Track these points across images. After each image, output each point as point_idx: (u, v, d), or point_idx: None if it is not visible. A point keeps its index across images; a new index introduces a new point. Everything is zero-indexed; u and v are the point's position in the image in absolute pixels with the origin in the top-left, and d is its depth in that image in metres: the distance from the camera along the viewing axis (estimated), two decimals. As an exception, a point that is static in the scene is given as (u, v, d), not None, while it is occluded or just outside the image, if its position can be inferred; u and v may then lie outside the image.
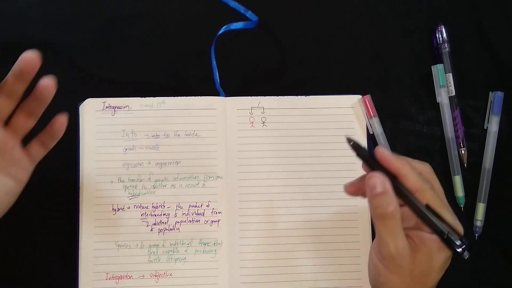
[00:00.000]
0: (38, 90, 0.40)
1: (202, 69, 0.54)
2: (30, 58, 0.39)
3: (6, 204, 0.41)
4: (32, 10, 0.54)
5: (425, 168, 0.39)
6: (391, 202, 0.35)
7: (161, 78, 0.54)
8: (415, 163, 0.39)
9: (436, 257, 0.37)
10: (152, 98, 0.52)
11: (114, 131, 0.52)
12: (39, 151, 0.44)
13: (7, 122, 0.41)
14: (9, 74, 0.40)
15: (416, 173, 0.37)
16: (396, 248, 0.35)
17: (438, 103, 0.54)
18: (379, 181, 0.36)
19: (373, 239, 0.51)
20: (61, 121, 0.43)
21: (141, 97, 0.52)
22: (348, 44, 0.56)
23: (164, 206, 0.51)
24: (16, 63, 0.39)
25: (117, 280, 0.50)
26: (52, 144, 0.44)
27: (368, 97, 0.53)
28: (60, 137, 0.44)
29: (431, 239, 0.37)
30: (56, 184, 0.52)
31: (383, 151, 0.37)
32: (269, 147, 0.53)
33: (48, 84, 0.40)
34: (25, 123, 0.42)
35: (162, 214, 0.51)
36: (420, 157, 0.54)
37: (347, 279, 0.51)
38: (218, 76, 0.53)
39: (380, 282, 0.37)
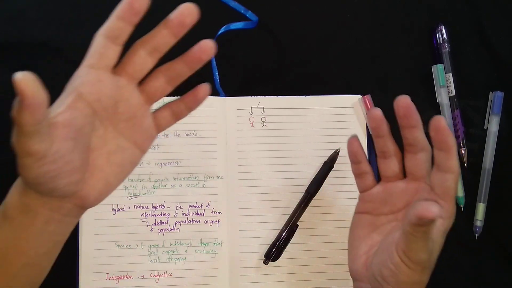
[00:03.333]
0: (194, 54, 0.35)
1: (202, 69, 0.54)
2: (189, 10, 0.33)
3: (127, 173, 0.36)
4: (32, 10, 0.54)
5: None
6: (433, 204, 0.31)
7: (161, 78, 0.54)
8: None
9: (440, 241, 0.35)
10: (152, 98, 0.52)
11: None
12: (168, 121, 0.37)
13: (141, 83, 0.35)
14: (159, 25, 0.34)
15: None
16: (429, 253, 0.33)
17: (438, 103, 0.54)
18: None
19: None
20: (204, 90, 0.36)
21: (141, 97, 0.52)
22: (348, 44, 0.56)
23: (164, 206, 0.51)
24: (173, 14, 0.34)
25: (117, 280, 0.50)
26: (185, 115, 0.37)
27: (368, 97, 0.53)
28: (195, 109, 0.37)
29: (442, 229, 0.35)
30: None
31: (443, 123, 0.35)
32: (269, 147, 0.53)
33: (209, 46, 0.34)
34: (163, 89, 0.35)
35: (162, 214, 0.51)
36: (420, 157, 0.55)
37: (348, 278, 0.51)
38: (218, 76, 0.53)
39: (398, 280, 0.34)
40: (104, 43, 0.33)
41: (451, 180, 0.34)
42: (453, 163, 0.34)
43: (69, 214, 0.34)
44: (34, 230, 0.33)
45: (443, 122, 0.35)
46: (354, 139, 0.39)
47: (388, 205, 0.37)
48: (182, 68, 0.35)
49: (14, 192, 0.34)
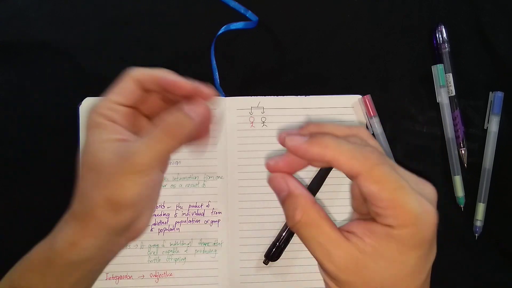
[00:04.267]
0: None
1: (202, 69, 0.54)
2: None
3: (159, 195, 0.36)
4: (32, 10, 0.54)
5: (358, 130, 0.29)
6: (298, 205, 0.28)
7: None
8: (344, 129, 0.29)
9: (404, 257, 0.26)
10: (152, 98, 0.52)
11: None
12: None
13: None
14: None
15: (350, 148, 0.26)
16: (333, 263, 0.26)
17: (438, 103, 0.54)
18: (282, 181, 0.29)
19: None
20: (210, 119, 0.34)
21: (141, 97, 0.52)
22: (348, 44, 0.56)
23: (164, 206, 0.51)
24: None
25: (117, 280, 0.50)
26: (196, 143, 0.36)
27: (368, 97, 0.53)
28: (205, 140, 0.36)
29: (391, 233, 0.26)
30: (56, 184, 0.52)
31: (293, 141, 0.27)
32: (269, 147, 0.53)
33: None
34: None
35: (162, 214, 0.51)
36: (420, 157, 0.55)
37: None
38: (218, 76, 0.53)
39: None
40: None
41: (364, 187, 0.26)
42: (345, 166, 0.26)
43: (116, 252, 0.34)
44: (80, 276, 0.32)
45: (290, 143, 0.28)
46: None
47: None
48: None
49: (63, 241, 0.32)
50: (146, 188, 0.30)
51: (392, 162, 0.27)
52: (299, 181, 0.30)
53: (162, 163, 0.33)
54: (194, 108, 0.32)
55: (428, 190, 0.27)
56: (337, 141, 0.27)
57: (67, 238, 0.31)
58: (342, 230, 0.28)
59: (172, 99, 0.35)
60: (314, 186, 0.51)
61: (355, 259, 0.26)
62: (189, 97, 0.33)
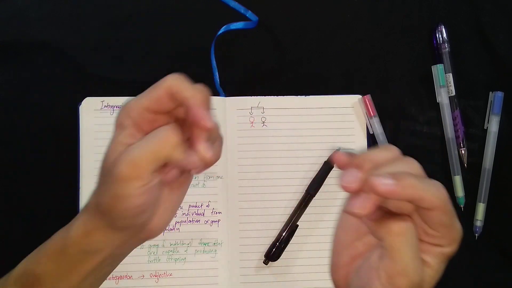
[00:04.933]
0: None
1: (202, 69, 0.54)
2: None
3: (185, 194, 0.37)
4: (32, 10, 0.54)
5: (411, 164, 0.30)
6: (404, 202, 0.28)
7: (160, 78, 0.54)
8: (387, 155, 0.30)
9: (442, 266, 0.31)
10: (152, 98, 0.52)
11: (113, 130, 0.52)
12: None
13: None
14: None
15: (428, 186, 0.27)
16: (418, 275, 0.28)
17: (438, 103, 0.54)
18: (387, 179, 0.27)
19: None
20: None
21: (141, 97, 0.52)
22: (348, 44, 0.56)
23: (164, 206, 0.51)
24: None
25: (117, 280, 0.50)
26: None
27: (368, 97, 0.53)
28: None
29: (443, 252, 0.30)
30: (56, 184, 0.52)
31: (383, 181, 0.26)
32: (269, 147, 0.53)
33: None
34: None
35: (162, 214, 0.51)
36: (420, 157, 0.54)
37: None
38: (218, 76, 0.53)
39: None
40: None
41: (436, 217, 0.28)
42: (427, 203, 0.27)
43: (129, 249, 0.35)
44: (91, 267, 0.33)
45: (382, 187, 0.26)
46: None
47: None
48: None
49: (77, 230, 0.33)
50: (138, 193, 0.30)
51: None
52: None
53: (146, 171, 0.31)
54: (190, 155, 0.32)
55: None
56: (419, 180, 0.27)
57: (81, 228, 0.33)
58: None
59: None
60: (314, 186, 0.52)
61: (430, 273, 0.30)
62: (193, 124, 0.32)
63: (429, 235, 0.29)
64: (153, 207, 0.33)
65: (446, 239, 0.29)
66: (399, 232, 0.28)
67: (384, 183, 0.26)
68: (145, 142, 0.31)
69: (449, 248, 0.29)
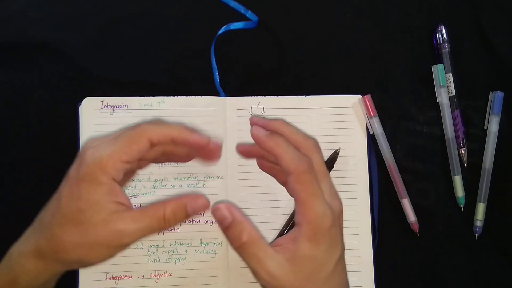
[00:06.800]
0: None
1: (202, 69, 0.54)
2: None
3: None
4: (32, 10, 0.54)
5: (308, 143, 0.36)
6: (244, 229, 0.33)
7: (160, 78, 0.54)
8: (298, 136, 0.36)
9: (313, 252, 0.33)
10: (151, 97, 0.52)
11: (113, 130, 0.52)
12: (155, 160, 0.39)
13: None
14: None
15: (293, 152, 0.34)
16: (269, 274, 0.32)
17: (438, 103, 0.54)
18: (226, 211, 0.33)
19: (373, 239, 0.51)
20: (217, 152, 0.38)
21: (141, 96, 0.52)
22: (348, 44, 0.56)
23: (164, 206, 0.51)
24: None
25: (117, 280, 0.50)
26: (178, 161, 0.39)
27: (368, 97, 0.53)
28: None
29: (300, 232, 0.33)
30: (56, 184, 0.52)
31: (257, 131, 0.35)
32: (269, 147, 0.53)
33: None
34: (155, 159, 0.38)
35: (162, 214, 0.51)
36: (420, 157, 0.55)
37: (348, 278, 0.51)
38: (218, 76, 0.53)
39: None
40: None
41: (290, 183, 0.33)
42: (284, 163, 0.33)
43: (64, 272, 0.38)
44: None
45: (254, 132, 0.35)
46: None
47: None
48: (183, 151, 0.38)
49: (27, 276, 0.35)
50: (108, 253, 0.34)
51: (322, 177, 0.35)
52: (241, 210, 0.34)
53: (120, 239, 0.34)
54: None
55: (336, 203, 0.35)
56: (287, 144, 0.34)
57: (31, 274, 0.35)
58: (273, 245, 0.34)
59: (170, 149, 0.37)
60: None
61: (282, 267, 0.32)
62: (197, 148, 0.36)
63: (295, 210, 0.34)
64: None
65: (301, 215, 0.33)
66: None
67: (257, 132, 0.35)
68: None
69: (306, 228, 0.33)
